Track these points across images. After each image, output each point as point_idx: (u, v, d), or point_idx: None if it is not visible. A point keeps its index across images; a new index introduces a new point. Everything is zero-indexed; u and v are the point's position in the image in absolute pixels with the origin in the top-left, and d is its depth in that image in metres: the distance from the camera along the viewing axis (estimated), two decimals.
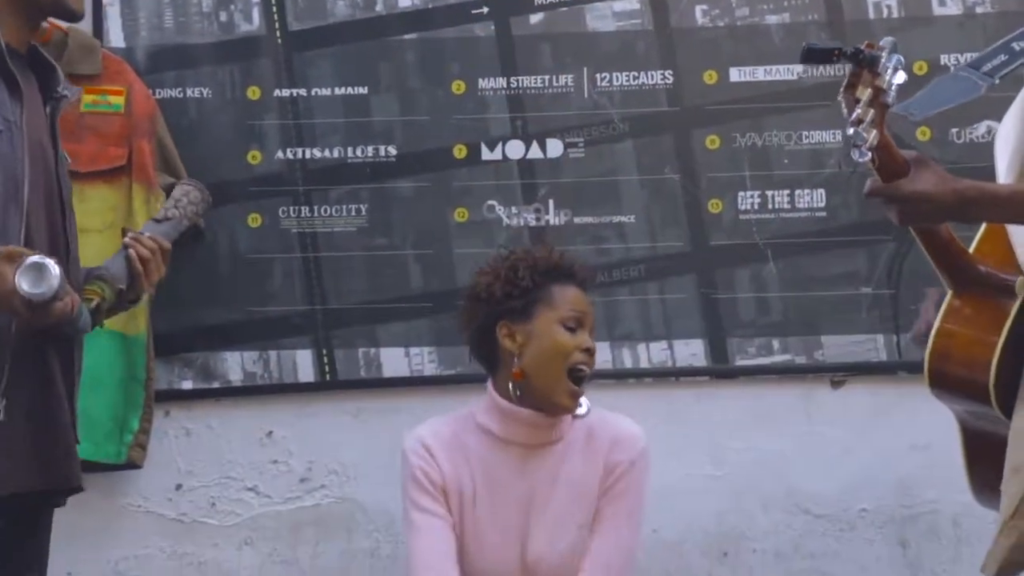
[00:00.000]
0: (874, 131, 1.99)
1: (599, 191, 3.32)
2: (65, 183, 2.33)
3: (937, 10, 3.29)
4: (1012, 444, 2.23)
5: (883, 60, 2.01)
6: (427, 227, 3.31)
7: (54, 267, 2.06)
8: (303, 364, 3.30)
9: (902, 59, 2.04)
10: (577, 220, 3.33)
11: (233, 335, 3.30)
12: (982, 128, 3.26)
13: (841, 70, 3.24)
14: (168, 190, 3.21)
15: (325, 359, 3.30)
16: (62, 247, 2.29)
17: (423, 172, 3.32)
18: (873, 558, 3.29)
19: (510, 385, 2.60)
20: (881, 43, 2.04)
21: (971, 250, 2.34)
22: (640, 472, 2.64)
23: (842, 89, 2.05)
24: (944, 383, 2.36)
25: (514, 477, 2.63)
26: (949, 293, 2.34)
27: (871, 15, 3.30)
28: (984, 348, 2.27)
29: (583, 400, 2.62)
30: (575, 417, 2.63)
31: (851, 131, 1.97)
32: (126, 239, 2.34)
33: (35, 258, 2.06)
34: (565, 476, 2.63)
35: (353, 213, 3.31)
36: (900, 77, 2.04)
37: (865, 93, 2.01)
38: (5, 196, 2.16)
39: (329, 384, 3.30)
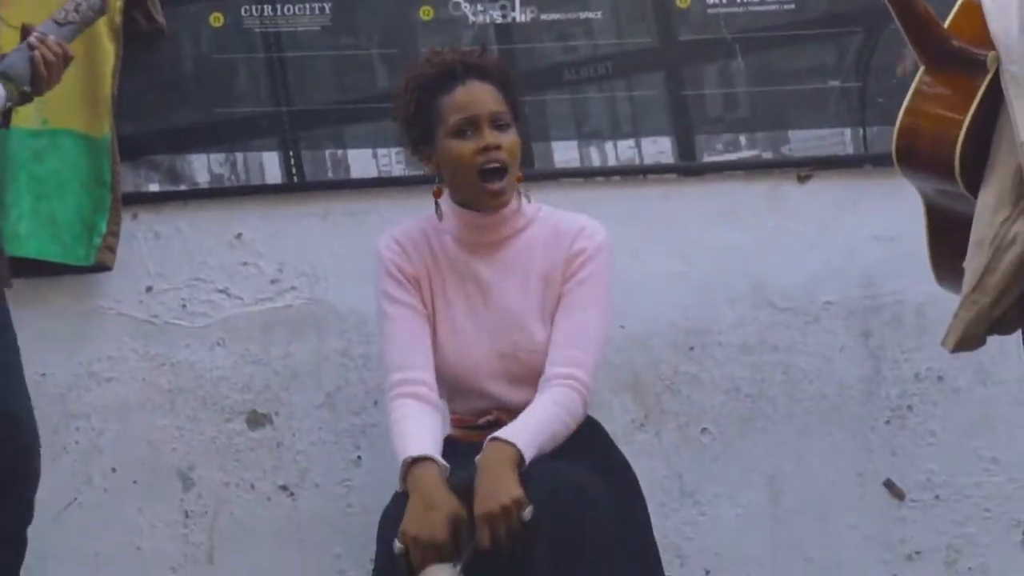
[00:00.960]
0: None
1: None
2: None
3: None
4: (977, 219, 2.27)
5: None
6: (392, 25, 3.26)
7: None
8: (270, 166, 3.28)
9: None
10: (544, 17, 3.29)
11: (199, 137, 3.27)
12: None
13: None
14: None
15: (292, 161, 3.28)
16: None
17: None
18: (837, 348, 3.35)
19: (437, 202, 2.69)
20: None
21: (945, 25, 2.33)
22: (603, 261, 2.68)
23: None
24: (912, 160, 2.38)
25: (483, 272, 2.69)
26: (921, 69, 2.35)
27: None
28: (952, 124, 2.28)
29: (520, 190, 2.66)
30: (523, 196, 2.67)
31: None
32: (31, 39, 2.26)
33: None
34: (534, 268, 2.68)
35: (317, 12, 3.26)
36: None
37: None
38: None
39: (297, 186, 3.29)
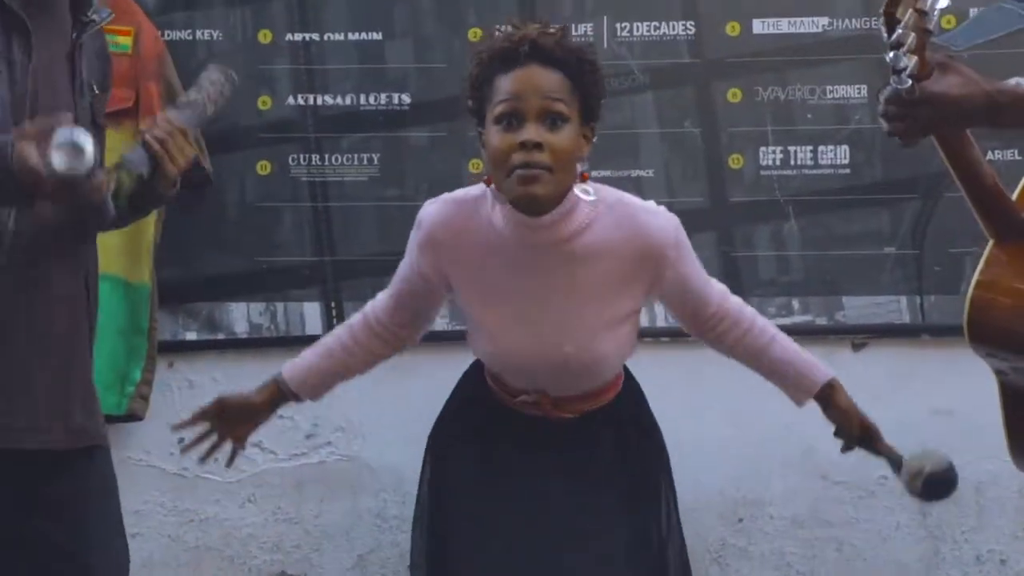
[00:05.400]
0: (915, 58, 1.89)
1: (617, 143, 3.24)
2: (94, 113, 2.22)
3: None
4: None
5: None
6: (441, 178, 3.22)
7: (89, 141, 1.92)
8: (311, 317, 3.23)
9: None
10: (595, 173, 3.17)
11: (239, 285, 3.24)
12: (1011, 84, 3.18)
13: (868, 23, 3.22)
14: None
15: (334, 312, 3.23)
16: None
17: (438, 121, 3.25)
18: (893, 526, 3.22)
19: (488, 191, 2.39)
20: None
21: (1014, 197, 2.26)
22: (684, 251, 2.49)
23: (883, 8, 1.96)
24: (984, 337, 2.27)
25: (537, 275, 2.40)
26: (991, 242, 2.26)
27: None
28: None
29: (585, 190, 2.36)
30: (585, 196, 2.37)
31: (890, 55, 1.88)
32: (142, 127, 2.23)
33: (66, 132, 1.93)
34: (596, 272, 2.40)
35: (365, 162, 3.25)
36: (943, 2, 1.95)
37: (906, 15, 1.92)
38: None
39: None
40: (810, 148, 3.25)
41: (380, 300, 2.57)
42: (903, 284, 3.24)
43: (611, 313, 2.46)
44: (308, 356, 2.57)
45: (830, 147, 3.25)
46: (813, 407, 3.21)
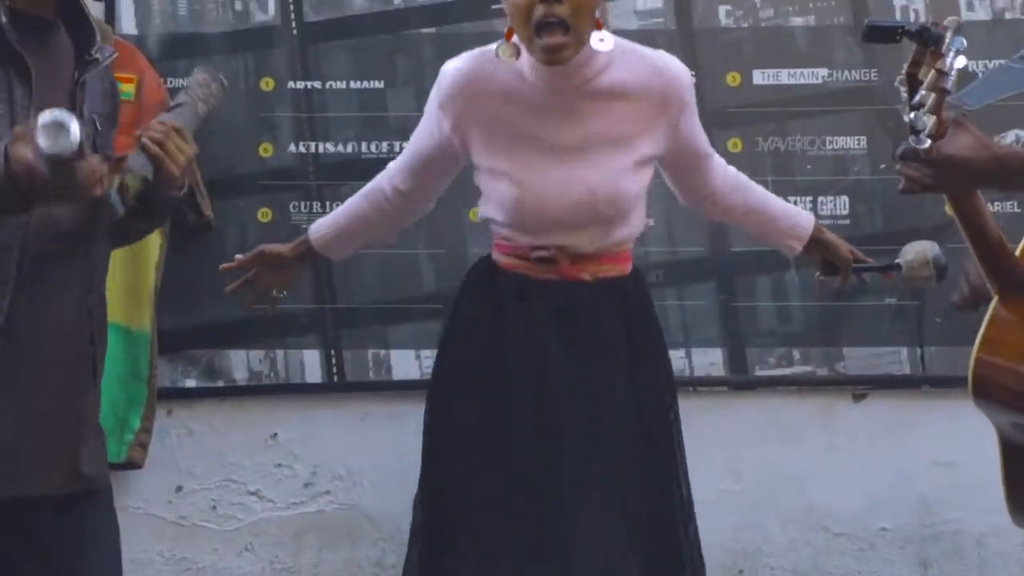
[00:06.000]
0: (933, 118, 1.90)
1: None
2: (98, 147, 2.22)
3: (966, 15, 3.23)
4: None
5: (947, 41, 1.93)
6: (441, 227, 3.22)
7: (72, 119, 1.92)
8: (310, 364, 3.22)
9: (964, 42, 1.95)
10: None
11: (239, 333, 3.22)
12: (1010, 137, 3.19)
13: (868, 75, 3.23)
14: None
15: (333, 360, 3.22)
16: None
17: None
18: None
19: (500, 46, 2.49)
20: (945, 22, 1.95)
21: (1018, 252, 2.26)
22: (694, 103, 2.61)
23: (904, 69, 1.96)
24: (988, 393, 2.27)
25: (564, 119, 2.51)
26: (995, 299, 2.26)
27: (898, 19, 3.24)
28: None
29: (601, 37, 2.45)
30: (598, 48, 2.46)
31: (911, 116, 1.89)
32: (137, 132, 2.24)
33: (46, 114, 1.92)
34: (621, 112, 2.51)
35: None
36: (961, 61, 1.95)
37: (928, 75, 1.92)
38: None
39: (337, 386, 3.23)
40: (810, 199, 3.26)
41: (393, 171, 2.64)
42: (904, 335, 3.24)
43: (633, 157, 2.54)
44: (335, 219, 2.67)
45: (830, 198, 3.26)
46: (813, 460, 3.22)
